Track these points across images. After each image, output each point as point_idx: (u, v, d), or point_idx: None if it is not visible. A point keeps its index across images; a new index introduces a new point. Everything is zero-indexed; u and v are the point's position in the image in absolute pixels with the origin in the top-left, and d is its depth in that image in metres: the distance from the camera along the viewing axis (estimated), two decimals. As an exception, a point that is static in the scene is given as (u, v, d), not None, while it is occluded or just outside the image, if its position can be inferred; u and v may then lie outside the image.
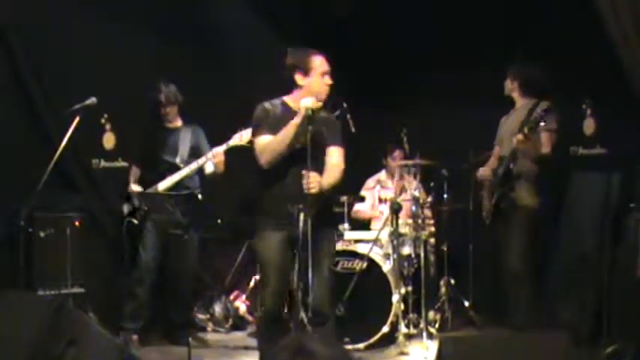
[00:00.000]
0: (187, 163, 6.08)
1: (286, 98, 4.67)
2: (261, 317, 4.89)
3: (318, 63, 4.55)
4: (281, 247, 4.51)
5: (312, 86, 4.57)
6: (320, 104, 4.53)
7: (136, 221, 6.01)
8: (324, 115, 4.69)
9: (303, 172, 4.36)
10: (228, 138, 5.90)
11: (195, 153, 6.15)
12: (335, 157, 4.65)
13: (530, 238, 5.29)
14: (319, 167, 4.55)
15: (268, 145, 4.57)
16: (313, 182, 4.35)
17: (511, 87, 5.60)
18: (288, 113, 4.56)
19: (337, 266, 5.72)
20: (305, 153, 4.45)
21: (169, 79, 6.15)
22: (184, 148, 6.14)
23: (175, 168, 6.07)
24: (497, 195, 5.36)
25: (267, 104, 4.64)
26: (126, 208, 6.09)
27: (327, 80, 4.59)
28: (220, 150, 5.93)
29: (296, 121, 4.43)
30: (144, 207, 5.99)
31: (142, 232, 6.05)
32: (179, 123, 6.26)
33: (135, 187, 6.12)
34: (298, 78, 4.57)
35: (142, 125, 6.26)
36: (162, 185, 6.00)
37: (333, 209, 4.86)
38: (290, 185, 4.44)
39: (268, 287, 4.62)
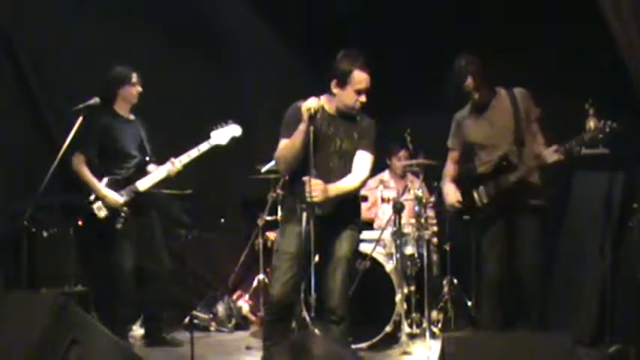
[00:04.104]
0: (151, 156, 5.92)
1: (322, 98, 4.62)
2: (268, 309, 4.89)
3: (357, 80, 4.49)
4: (296, 238, 4.49)
5: (343, 98, 4.55)
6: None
7: (120, 226, 5.71)
8: (358, 119, 4.65)
9: (304, 178, 4.37)
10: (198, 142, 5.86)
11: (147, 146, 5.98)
12: (360, 162, 4.63)
13: (541, 237, 5.24)
14: (334, 170, 4.57)
15: (281, 152, 4.58)
16: (315, 190, 4.35)
17: (475, 84, 5.18)
18: (320, 114, 4.54)
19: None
20: (322, 154, 4.47)
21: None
22: (145, 140, 5.93)
23: (142, 162, 5.87)
24: (506, 201, 5.21)
25: (300, 105, 4.54)
26: (101, 212, 5.71)
27: (362, 98, 4.53)
28: (184, 162, 5.80)
29: (301, 127, 4.42)
30: (125, 210, 5.73)
31: (120, 235, 5.76)
32: (132, 115, 6.00)
33: (107, 190, 5.70)
34: (333, 85, 4.54)
35: (99, 117, 5.82)
36: (142, 185, 5.76)
37: (356, 209, 4.82)
38: (304, 185, 4.41)
39: (275, 272, 4.62)
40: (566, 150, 4.88)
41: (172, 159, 5.82)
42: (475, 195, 5.27)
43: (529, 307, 5.22)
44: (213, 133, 5.88)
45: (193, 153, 5.83)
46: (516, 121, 5.13)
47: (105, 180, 5.75)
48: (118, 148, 5.85)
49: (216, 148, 5.88)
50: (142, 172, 5.84)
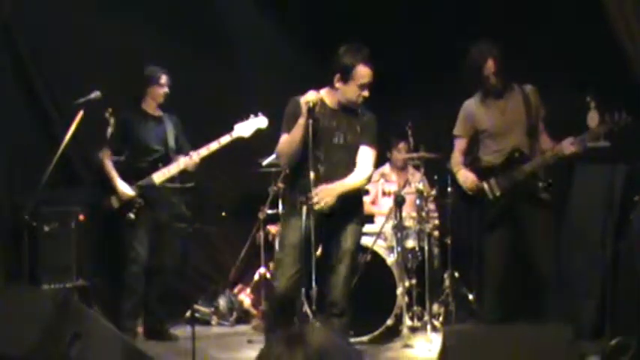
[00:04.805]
0: (175, 152, 6.03)
1: (323, 92, 4.63)
2: (272, 302, 4.90)
3: (360, 75, 4.50)
4: (301, 231, 4.49)
5: (346, 93, 4.56)
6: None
7: (133, 216, 5.83)
8: (360, 113, 4.67)
9: (314, 190, 4.41)
10: (219, 135, 5.95)
11: (177, 142, 6.10)
12: (363, 158, 4.65)
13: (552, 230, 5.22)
14: (338, 164, 4.58)
15: (282, 147, 4.59)
16: (322, 199, 4.42)
17: (495, 68, 5.06)
18: (321, 108, 4.56)
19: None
20: (326, 148, 4.48)
21: (169, 72, 6.11)
22: (171, 137, 6.07)
23: (165, 157, 5.99)
24: (520, 194, 5.14)
25: (300, 99, 4.56)
26: (116, 203, 5.89)
27: (365, 93, 4.55)
28: (202, 154, 5.90)
29: (301, 121, 4.43)
30: (139, 200, 5.86)
31: (137, 227, 5.90)
32: (160, 112, 6.14)
33: (122, 184, 5.87)
34: (336, 79, 4.54)
35: (123, 114, 6.05)
36: (158, 177, 5.88)
37: (359, 203, 4.83)
38: (305, 179, 4.44)
39: (280, 266, 4.64)
40: (582, 142, 4.87)
41: (191, 152, 5.93)
42: (486, 187, 5.20)
43: (543, 298, 5.18)
44: (236, 126, 5.97)
45: (213, 146, 5.93)
46: (528, 114, 5.11)
47: None
48: (139, 142, 6.00)
49: (238, 141, 5.96)
50: (165, 165, 5.95)
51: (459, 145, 5.40)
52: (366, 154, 4.66)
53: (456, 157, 5.41)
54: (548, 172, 5.21)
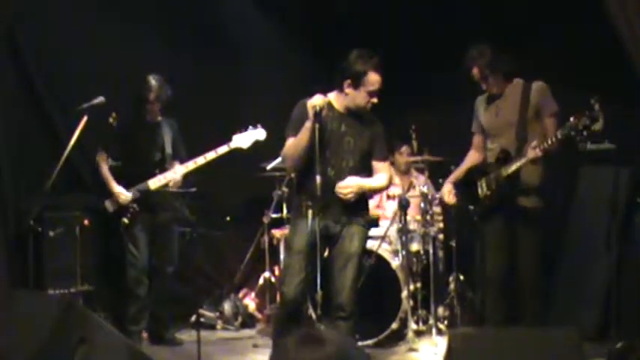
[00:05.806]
0: (172, 157, 6.03)
1: (331, 96, 4.65)
2: (279, 306, 4.88)
3: (371, 82, 4.52)
4: (308, 236, 4.49)
5: (356, 99, 4.58)
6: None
7: (126, 220, 5.84)
8: (367, 117, 4.70)
9: (339, 184, 4.47)
10: (222, 142, 5.96)
11: (175, 147, 6.08)
12: (382, 170, 4.76)
13: (540, 237, 5.19)
14: (347, 168, 4.60)
15: (288, 150, 4.59)
16: (347, 193, 4.50)
17: (480, 75, 5.12)
18: (329, 112, 4.58)
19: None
20: (335, 152, 4.50)
21: (171, 76, 6.11)
22: (168, 144, 6.06)
23: (162, 163, 5.99)
24: (500, 196, 5.14)
25: (308, 102, 4.57)
26: (111, 207, 5.89)
27: (373, 100, 4.58)
28: (199, 163, 5.91)
29: (307, 124, 4.43)
30: (133, 205, 5.86)
31: (132, 231, 5.89)
32: (159, 117, 6.10)
33: (118, 187, 5.87)
34: (346, 85, 4.55)
35: (122, 119, 6.06)
36: (154, 183, 5.87)
37: (365, 206, 4.84)
38: (312, 182, 4.43)
39: (288, 272, 4.64)
40: (545, 148, 4.74)
41: (185, 163, 5.94)
42: (479, 186, 5.23)
43: (523, 310, 5.18)
44: (235, 136, 5.97)
45: (210, 155, 5.91)
46: (521, 116, 5.07)
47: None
48: (137, 148, 6.00)
49: (236, 151, 5.96)
50: (161, 171, 5.94)
51: (474, 141, 5.46)
52: (383, 168, 4.77)
53: (468, 156, 5.47)
54: (547, 175, 5.17)
